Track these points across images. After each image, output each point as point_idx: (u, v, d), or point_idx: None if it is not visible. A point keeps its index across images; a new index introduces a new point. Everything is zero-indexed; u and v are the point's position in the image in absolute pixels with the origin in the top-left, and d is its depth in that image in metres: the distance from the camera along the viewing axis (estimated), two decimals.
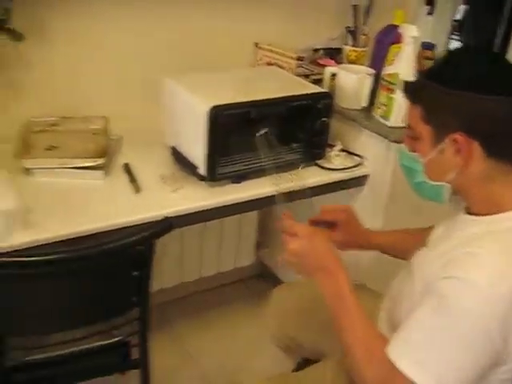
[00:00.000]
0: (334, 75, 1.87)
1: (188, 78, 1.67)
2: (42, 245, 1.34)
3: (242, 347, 2.11)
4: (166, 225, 1.24)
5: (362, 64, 2.02)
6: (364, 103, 1.85)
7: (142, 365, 1.48)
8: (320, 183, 1.71)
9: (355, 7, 2.12)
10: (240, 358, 2.06)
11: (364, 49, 2.06)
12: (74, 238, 1.37)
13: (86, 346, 1.46)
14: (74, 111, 1.78)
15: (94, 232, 1.40)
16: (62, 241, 1.36)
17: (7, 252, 1.26)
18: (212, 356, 2.06)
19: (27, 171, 1.58)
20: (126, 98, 1.84)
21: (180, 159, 1.66)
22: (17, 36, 1.57)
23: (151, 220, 1.44)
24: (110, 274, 1.29)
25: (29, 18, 1.61)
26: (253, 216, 2.28)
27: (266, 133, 1.52)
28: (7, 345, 1.39)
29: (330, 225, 1.38)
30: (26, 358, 1.41)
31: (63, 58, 1.74)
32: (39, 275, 1.20)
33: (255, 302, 2.24)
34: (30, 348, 1.42)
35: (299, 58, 2.00)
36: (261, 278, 2.45)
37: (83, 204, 1.48)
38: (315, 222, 1.37)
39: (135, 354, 1.49)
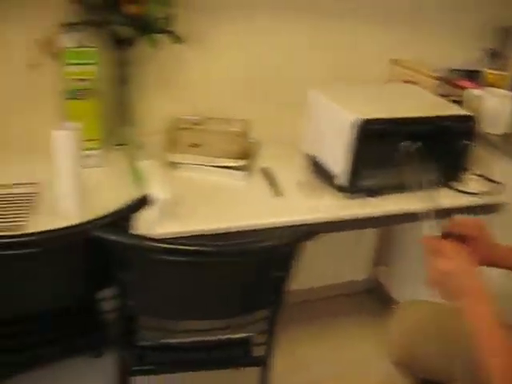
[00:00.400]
0: (476, 98, 1.85)
1: (332, 89, 1.70)
2: (185, 237, 1.41)
3: (353, 359, 2.11)
4: (312, 231, 1.27)
5: (502, 88, 1.97)
6: (506, 129, 1.80)
7: (266, 363, 1.52)
8: (453, 206, 1.69)
9: (498, 30, 2.08)
10: (351, 370, 2.07)
11: (506, 72, 2.01)
12: (215, 234, 1.44)
13: (214, 338, 1.52)
14: (216, 112, 1.86)
15: (236, 230, 1.46)
16: (203, 235, 1.43)
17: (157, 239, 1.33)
18: (323, 364, 2.07)
19: (173, 165, 1.66)
20: (266, 104, 1.90)
21: (317, 168, 1.69)
22: (177, 39, 1.66)
23: (289, 224, 1.50)
24: (253, 271, 1.33)
25: (188, 23, 1.70)
26: (372, 230, 2.27)
27: (411, 149, 1.53)
28: (141, 325, 1.48)
29: (461, 238, 1.33)
30: (160, 341, 1.49)
31: (215, 61, 1.84)
32: (185, 264, 1.25)
33: (367, 316, 2.24)
34: (163, 331, 1.49)
35: (438, 78, 1.99)
36: (374, 294, 2.44)
37: (225, 202, 1.55)
38: (446, 235, 1.32)
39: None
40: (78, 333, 1.52)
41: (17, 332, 1.43)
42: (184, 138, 1.76)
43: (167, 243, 1.22)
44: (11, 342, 1.44)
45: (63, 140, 1.30)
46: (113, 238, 1.21)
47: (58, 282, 1.34)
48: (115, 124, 1.73)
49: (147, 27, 1.62)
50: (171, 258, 1.23)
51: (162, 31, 1.64)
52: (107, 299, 1.49)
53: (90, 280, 1.40)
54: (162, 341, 1.49)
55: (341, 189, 1.60)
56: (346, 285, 2.39)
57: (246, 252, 1.26)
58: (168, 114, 1.83)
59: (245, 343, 1.54)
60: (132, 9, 1.57)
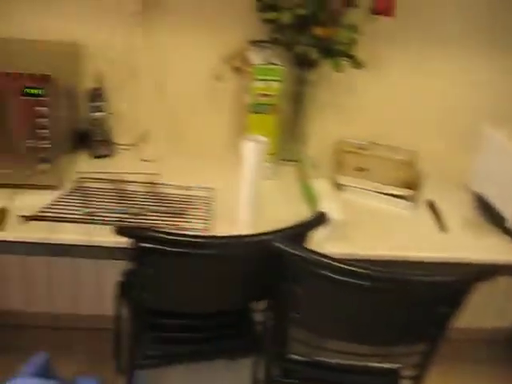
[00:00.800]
0: None
1: (509, 127, 1.66)
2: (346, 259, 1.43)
3: None
4: (492, 271, 1.25)
5: None
6: None
7: None
8: None
9: None
10: None
11: None
12: (376, 260, 1.45)
13: (362, 363, 1.53)
14: (383, 139, 1.86)
15: (398, 259, 1.47)
16: (364, 259, 1.45)
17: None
18: None
19: (339, 186, 1.70)
20: (436, 136, 1.90)
21: (484, 206, 1.65)
22: (357, 64, 1.69)
23: (453, 261, 1.48)
24: (419, 303, 1.32)
25: (368, 48, 1.73)
26: None
27: None
28: (294, 338, 1.50)
29: None
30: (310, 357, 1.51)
31: (388, 89, 1.85)
32: (355, 286, 1.26)
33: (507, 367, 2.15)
34: (315, 348, 1.52)
35: None
36: None
37: (389, 230, 1.56)
38: None
39: None
40: (227, 336, 1.58)
41: (175, 327, 1.51)
42: (349, 161, 1.79)
43: (347, 264, 1.24)
44: (168, 336, 1.53)
45: (252, 151, 1.37)
46: (293, 251, 1.25)
47: (228, 286, 1.41)
48: (286, 140, 1.79)
49: (332, 50, 1.66)
50: (344, 278, 1.25)
51: (346, 55, 1.68)
52: (260, 310, 1.55)
53: (254, 289, 1.46)
54: (310, 358, 1.51)
55: (509, 232, 1.56)
56: (489, 331, 2.30)
57: (418, 283, 1.26)
58: (335, 135, 1.87)
59: (393, 374, 1.53)
60: (320, 31, 1.63)
